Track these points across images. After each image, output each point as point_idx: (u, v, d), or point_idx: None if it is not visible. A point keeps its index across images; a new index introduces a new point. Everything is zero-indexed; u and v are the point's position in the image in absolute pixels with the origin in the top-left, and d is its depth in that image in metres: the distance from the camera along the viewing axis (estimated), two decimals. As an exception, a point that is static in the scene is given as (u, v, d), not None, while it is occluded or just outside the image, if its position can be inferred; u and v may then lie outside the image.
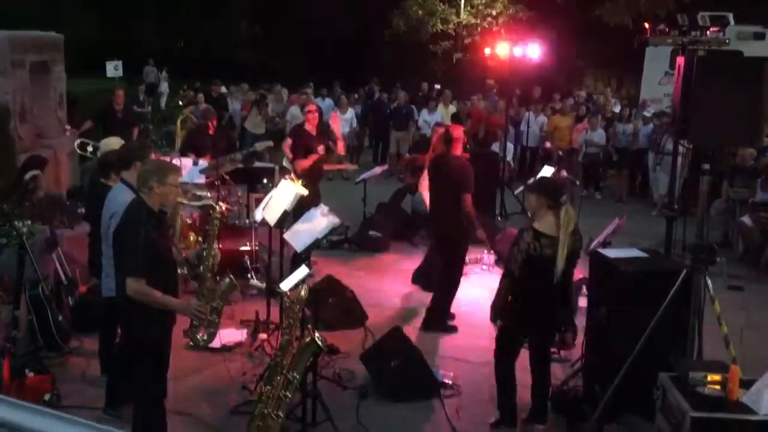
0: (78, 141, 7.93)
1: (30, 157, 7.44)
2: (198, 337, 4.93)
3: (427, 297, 7.36)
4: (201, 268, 4.91)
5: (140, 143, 6.89)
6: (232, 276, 5.12)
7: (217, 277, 5.04)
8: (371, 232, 9.37)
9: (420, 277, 8.04)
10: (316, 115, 9.45)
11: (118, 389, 5.09)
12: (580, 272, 7.13)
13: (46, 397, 5.12)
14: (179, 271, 5.04)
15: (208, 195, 7.45)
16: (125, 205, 4.53)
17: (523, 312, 4.96)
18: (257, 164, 9.42)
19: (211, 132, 9.14)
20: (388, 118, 15.36)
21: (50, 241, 6.33)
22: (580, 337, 5.79)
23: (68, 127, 9.63)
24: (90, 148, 7.10)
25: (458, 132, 7.06)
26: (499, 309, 5.08)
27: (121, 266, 4.24)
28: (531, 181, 6.51)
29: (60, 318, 6.03)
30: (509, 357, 5.14)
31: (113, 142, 6.17)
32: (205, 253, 4.95)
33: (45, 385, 5.23)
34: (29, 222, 6.09)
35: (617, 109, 14.58)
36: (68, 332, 6.12)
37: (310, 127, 8.99)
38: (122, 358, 5.07)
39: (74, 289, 6.44)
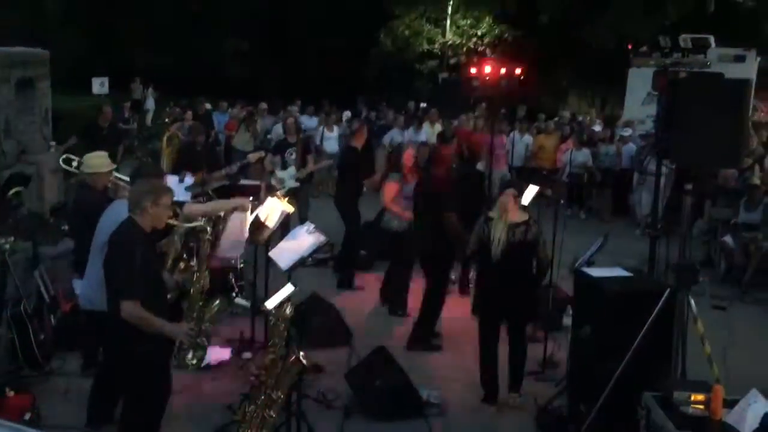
0: (63, 156, 7.87)
1: (13, 174, 7.39)
2: (187, 359, 4.91)
3: (411, 315, 7.35)
4: (191, 290, 4.87)
5: (153, 166, 6.89)
6: (222, 297, 5.12)
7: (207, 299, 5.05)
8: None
9: (385, 294, 8.03)
10: (293, 120, 9.93)
11: (101, 408, 5.04)
12: (564, 291, 7.19)
13: (26, 416, 5.05)
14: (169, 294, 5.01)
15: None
16: None
17: (481, 291, 5.83)
18: (243, 181, 9.42)
19: (198, 149, 9.15)
20: (375, 137, 15.37)
21: (32, 259, 6.27)
22: (565, 355, 5.82)
23: (53, 143, 9.58)
24: (75, 163, 7.06)
25: (445, 151, 7.09)
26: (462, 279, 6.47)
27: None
28: None
29: (42, 336, 5.96)
30: (487, 340, 5.81)
31: (97, 157, 6.14)
32: (195, 275, 4.92)
33: (25, 404, 5.16)
34: (12, 239, 6.05)
35: (598, 128, 14.73)
36: (50, 351, 6.05)
37: (291, 138, 9.51)
38: (105, 377, 5.04)
39: (56, 308, 6.38)
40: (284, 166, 9.52)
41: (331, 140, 14.39)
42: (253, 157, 9.51)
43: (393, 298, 7.84)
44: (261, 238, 6.61)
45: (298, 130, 10.10)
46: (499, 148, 13.40)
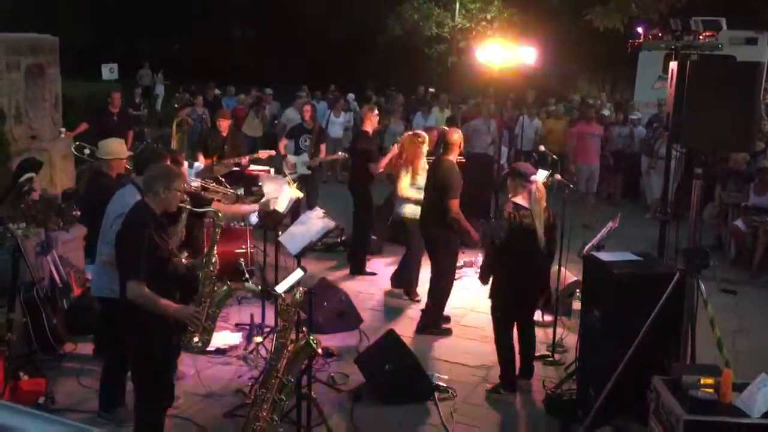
0: (75, 143, 7.92)
1: (25, 160, 7.43)
2: (193, 342, 4.95)
3: (422, 300, 7.37)
4: (200, 274, 4.91)
5: (156, 150, 6.96)
6: (229, 283, 5.15)
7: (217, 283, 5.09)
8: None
9: (397, 279, 8.04)
10: (311, 107, 10.00)
11: (112, 392, 5.10)
12: (573, 275, 7.19)
13: (40, 400, 5.12)
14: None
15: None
16: None
17: (511, 277, 5.63)
18: (253, 167, 9.46)
19: (224, 134, 9.28)
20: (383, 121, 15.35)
21: (45, 244, 6.32)
22: (574, 339, 5.83)
23: (63, 129, 9.61)
24: (87, 151, 7.11)
25: (454, 136, 7.05)
26: (485, 272, 5.90)
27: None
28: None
29: (54, 321, 6.02)
30: (507, 325, 5.76)
31: (116, 143, 6.18)
32: (205, 259, 4.95)
33: (39, 387, 5.22)
34: (24, 224, 6.09)
35: (607, 112, 14.65)
36: (62, 335, 6.11)
37: (307, 124, 9.59)
38: (116, 361, 5.09)
39: (69, 292, 6.43)
40: (297, 152, 9.56)
41: (336, 125, 14.40)
42: (263, 154, 9.58)
43: (407, 282, 7.87)
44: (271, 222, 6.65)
45: (314, 117, 10.12)
46: (583, 138, 11.50)
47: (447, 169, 6.81)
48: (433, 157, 7.35)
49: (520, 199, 5.59)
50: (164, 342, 4.36)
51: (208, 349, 5.90)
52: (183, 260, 4.77)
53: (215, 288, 5.03)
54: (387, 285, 8.15)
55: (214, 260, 5.03)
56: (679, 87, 4.65)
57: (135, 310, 4.16)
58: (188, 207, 4.83)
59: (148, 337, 4.28)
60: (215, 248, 5.09)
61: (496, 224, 5.77)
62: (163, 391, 4.48)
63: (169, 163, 5.37)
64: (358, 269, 8.60)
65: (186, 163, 8.63)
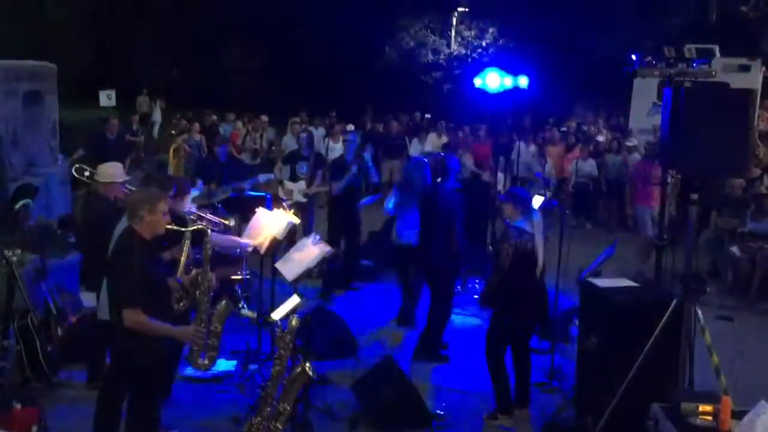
0: (76, 165, 7.94)
1: (21, 186, 7.43)
2: (199, 361, 4.93)
3: (419, 326, 7.34)
4: (197, 293, 4.89)
5: (165, 178, 7.00)
6: (228, 299, 5.14)
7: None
8: (363, 261, 9.36)
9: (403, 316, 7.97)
10: (308, 133, 9.90)
11: (107, 420, 5.04)
12: (571, 301, 7.17)
13: (33, 429, 5.05)
14: (182, 302, 5.03)
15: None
16: None
17: (514, 301, 5.57)
18: (249, 193, 9.47)
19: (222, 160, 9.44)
20: (381, 147, 15.43)
21: (40, 271, 6.30)
22: (572, 366, 5.79)
23: (60, 155, 9.64)
24: (87, 173, 7.12)
25: (452, 162, 7.11)
26: (487, 297, 5.85)
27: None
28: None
29: (49, 348, 5.98)
30: (501, 349, 5.72)
31: (112, 167, 6.18)
32: (199, 278, 4.94)
33: (32, 417, 5.16)
34: (19, 251, 6.07)
35: (601, 138, 14.72)
36: (57, 363, 6.07)
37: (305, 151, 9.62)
38: (110, 389, 5.05)
39: (63, 320, 6.40)
40: (293, 178, 9.55)
41: (335, 152, 14.41)
42: (263, 178, 9.62)
43: (402, 309, 7.83)
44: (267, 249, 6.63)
45: (311, 143, 10.17)
46: (646, 179, 10.78)
47: (449, 194, 6.84)
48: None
49: (523, 224, 5.57)
50: (147, 365, 4.32)
51: (203, 376, 5.89)
52: (184, 281, 4.76)
53: (216, 307, 5.02)
54: (384, 310, 8.11)
55: (209, 276, 5.02)
56: (673, 114, 4.69)
57: (121, 335, 4.14)
58: (174, 227, 4.82)
59: (130, 361, 4.26)
60: (208, 265, 5.08)
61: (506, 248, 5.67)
62: (152, 417, 4.44)
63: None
64: (341, 284, 8.70)
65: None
